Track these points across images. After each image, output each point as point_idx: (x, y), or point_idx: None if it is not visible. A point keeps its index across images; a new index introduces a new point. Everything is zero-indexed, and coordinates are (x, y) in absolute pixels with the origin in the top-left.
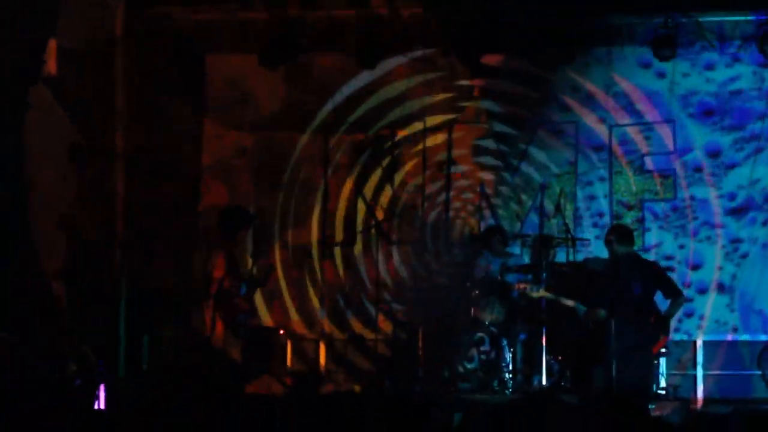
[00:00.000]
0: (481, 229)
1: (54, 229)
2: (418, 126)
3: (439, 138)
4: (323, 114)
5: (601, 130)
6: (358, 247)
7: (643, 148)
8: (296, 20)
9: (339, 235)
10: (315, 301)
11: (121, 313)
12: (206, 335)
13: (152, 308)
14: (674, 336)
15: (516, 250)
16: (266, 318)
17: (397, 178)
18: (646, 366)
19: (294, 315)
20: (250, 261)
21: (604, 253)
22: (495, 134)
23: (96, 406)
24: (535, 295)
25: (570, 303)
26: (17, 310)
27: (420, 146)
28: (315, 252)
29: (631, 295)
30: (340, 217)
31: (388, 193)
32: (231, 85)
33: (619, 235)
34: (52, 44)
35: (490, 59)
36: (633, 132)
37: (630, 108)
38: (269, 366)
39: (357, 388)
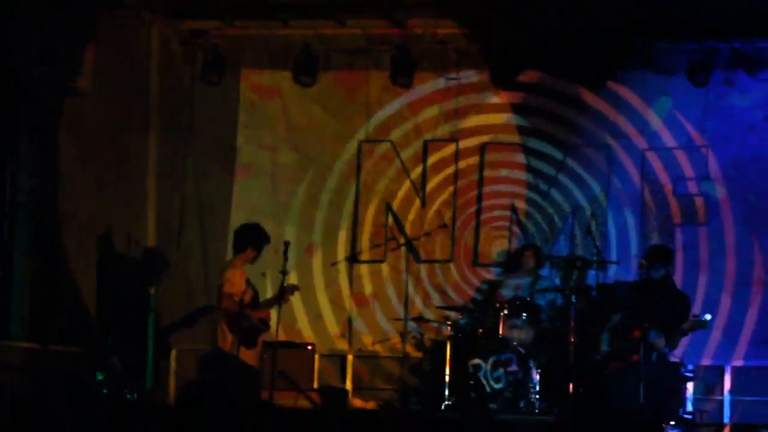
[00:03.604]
0: (512, 249)
1: (86, 241)
2: (450, 144)
3: (471, 156)
4: (355, 131)
5: (635, 153)
6: (386, 264)
7: (676, 171)
8: (331, 37)
9: (368, 252)
10: (343, 317)
11: (150, 325)
12: (222, 348)
13: (181, 320)
14: (703, 361)
15: (545, 272)
16: (300, 332)
17: (429, 196)
18: (663, 390)
19: (322, 330)
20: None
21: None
22: (528, 154)
23: (122, 416)
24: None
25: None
26: (47, 321)
27: (452, 163)
28: (344, 268)
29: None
30: (370, 233)
31: (417, 209)
32: (265, 100)
33: (651, 257)
34: (89, 58)
35: (524, 78)
36: (666, 155)
37: (665, 131)
38: (295, 380)
39: (380, 404)
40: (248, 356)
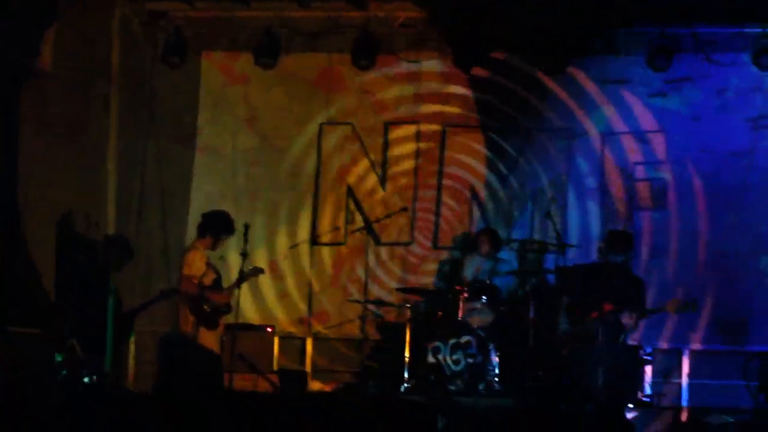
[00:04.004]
0: (472, 232)
1: (45, 223)
2: (411, 127)
3: (432, 139)
4: (316, 113)
5: (595, 138)
6: (347, 247)
7: (635, 156)
8: (294, 20)
9: (328, 235)
10: (303, 300)
11: (110, 308)
12: (184, 331)
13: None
14: (661, 344)
15: (505, 255)
16: (257, 316)
17: (389, 179)
18: (622, 373)
19: (282, 313)
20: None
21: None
22: (488, 138)
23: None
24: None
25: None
26: (6, 303)
27: (413, 146)
28: (304, 250)
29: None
30: (330, 216)
31: (379, 193)
32: (226, 83)
33: (611, 242)
34: (49, 38)
35: (486, 63)
36: (626, 140)
37: (624, 116)
38: (255, 363)
39: (339, 387)
40: (209, 338)
